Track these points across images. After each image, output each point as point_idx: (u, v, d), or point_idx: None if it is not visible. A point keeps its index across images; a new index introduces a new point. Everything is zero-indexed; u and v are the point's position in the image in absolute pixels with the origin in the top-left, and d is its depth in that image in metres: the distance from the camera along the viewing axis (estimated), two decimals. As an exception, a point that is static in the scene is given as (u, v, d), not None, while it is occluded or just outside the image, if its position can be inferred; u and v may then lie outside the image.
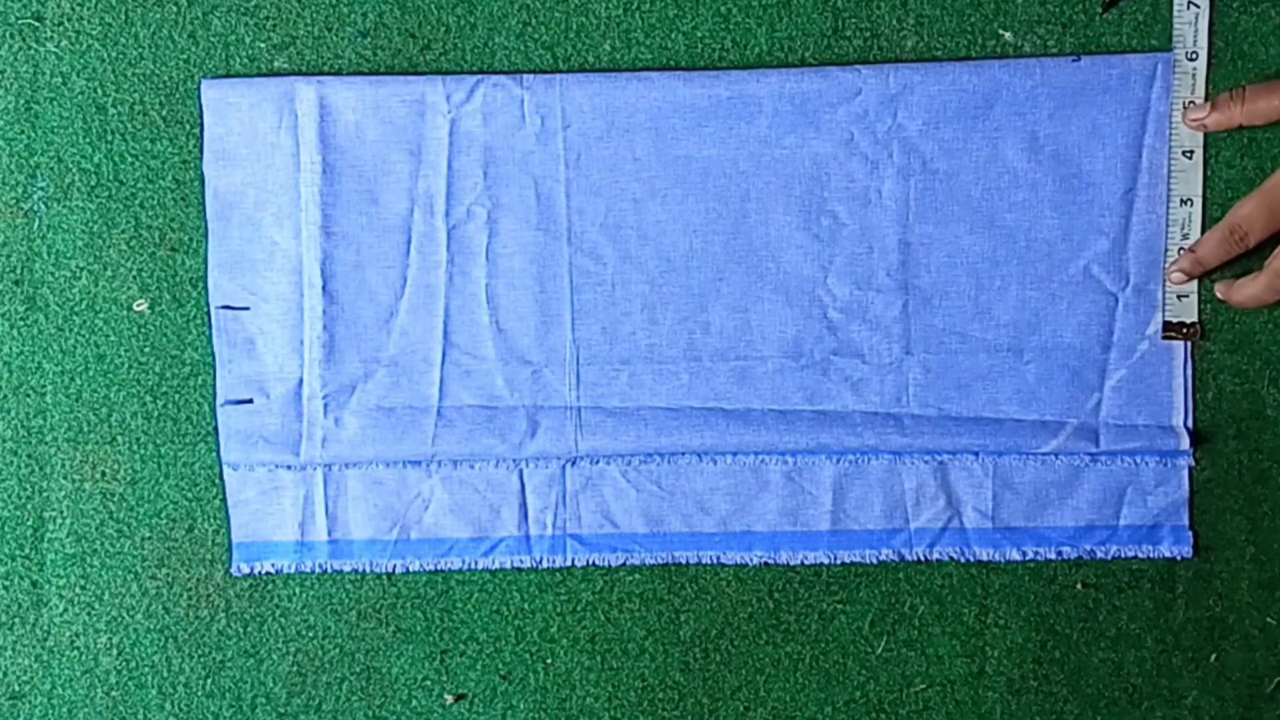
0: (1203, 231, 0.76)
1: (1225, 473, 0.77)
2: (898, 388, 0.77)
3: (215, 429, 0.77)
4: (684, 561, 0.78)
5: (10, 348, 0.78)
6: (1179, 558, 0.77)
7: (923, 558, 0.77)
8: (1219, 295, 0.76)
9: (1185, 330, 0.76)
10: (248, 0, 0.77)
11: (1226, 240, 0.74)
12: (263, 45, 0.77)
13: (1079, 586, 0.78)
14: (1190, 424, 0.77)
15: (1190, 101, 0.75)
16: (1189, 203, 0.76)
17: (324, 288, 0.77)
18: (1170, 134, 0.75)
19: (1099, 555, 0.77)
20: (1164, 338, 0.76)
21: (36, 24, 0.77)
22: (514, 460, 0.77)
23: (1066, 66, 0.75)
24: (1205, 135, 0.75)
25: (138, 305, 0.77)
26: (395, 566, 0.78)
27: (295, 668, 0.78)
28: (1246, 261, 0.75)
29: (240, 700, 0.78)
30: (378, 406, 0.77)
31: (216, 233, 0.77)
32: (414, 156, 0.77)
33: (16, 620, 0.78)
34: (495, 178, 0.77)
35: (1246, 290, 0.74)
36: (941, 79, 0.75)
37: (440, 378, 0.77)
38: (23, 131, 0.77)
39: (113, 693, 0.78)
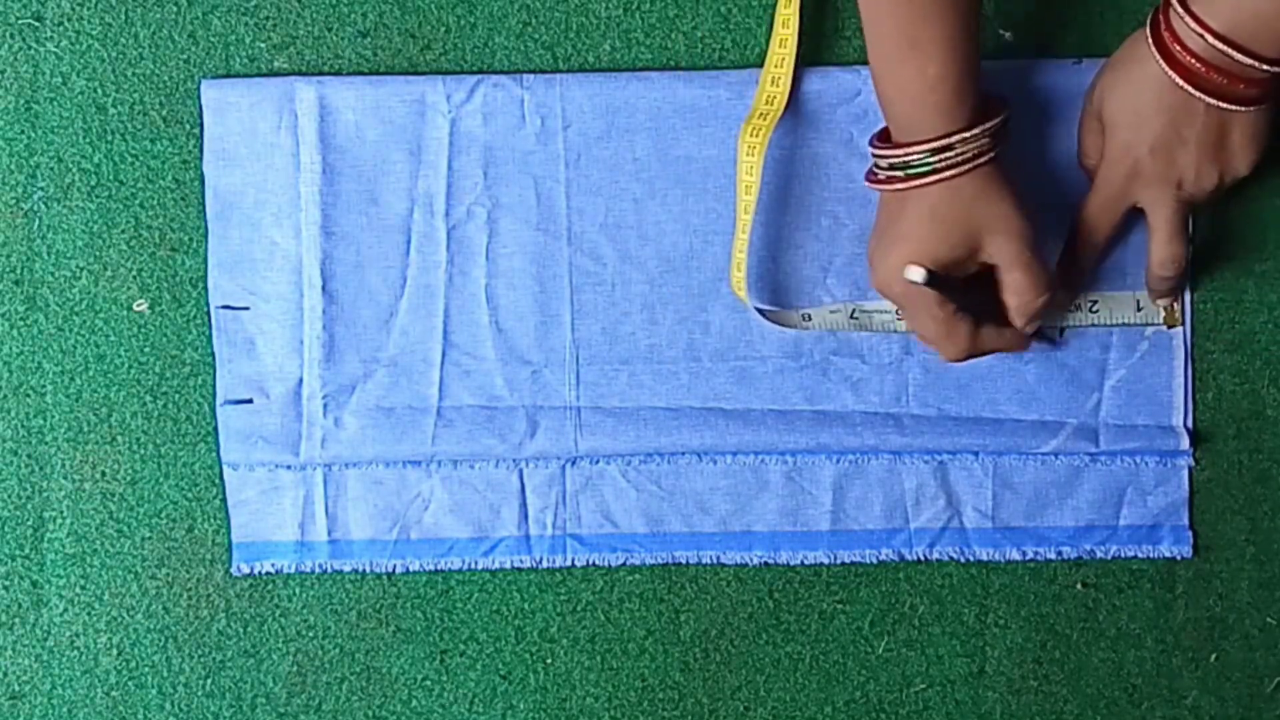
0: (1199, 231, 0.76)
1: (1225, 473, 0.77)
2: (897, 388, 0.77)
3: (215, 429, 0.77)
4: (684, 561, 0.78)
5: (10, 348, 0.78)
6: (1179, 558, 0.77)
7: (923, 558, 0.77)
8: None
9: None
10: (248, 0, 0.77)
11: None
12: (263, 45, 0.77)
13: (1079, 586, 0.78)
14: (1190, 424, 0.77)
15: None
16: (1189, 203, 0.76)
17: (324, 288, 0.77)
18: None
19: (1099, 555, 0.77)
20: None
21: (36, 24, 0.77)
22: (514, 460, 0.77)
23: (1067, 68, 0.75)
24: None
25: (138, 305, 0.77)
26: (395, 566, 0.78)
27: (295, 668, 0.78)
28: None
29: (240, 700, 0.78)
30: (377, 406, 0.77)
31: (216, 233, 0.77)
32: (414, 156, 0.77)
33: (16, 620, 0.78)
34: (495, 178, 0.77)
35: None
36: (941, 79, 0.75)
37: (440, 378, 0.77)
38: (23, 131, 0.77)
39: (113, 693, 0.78)
